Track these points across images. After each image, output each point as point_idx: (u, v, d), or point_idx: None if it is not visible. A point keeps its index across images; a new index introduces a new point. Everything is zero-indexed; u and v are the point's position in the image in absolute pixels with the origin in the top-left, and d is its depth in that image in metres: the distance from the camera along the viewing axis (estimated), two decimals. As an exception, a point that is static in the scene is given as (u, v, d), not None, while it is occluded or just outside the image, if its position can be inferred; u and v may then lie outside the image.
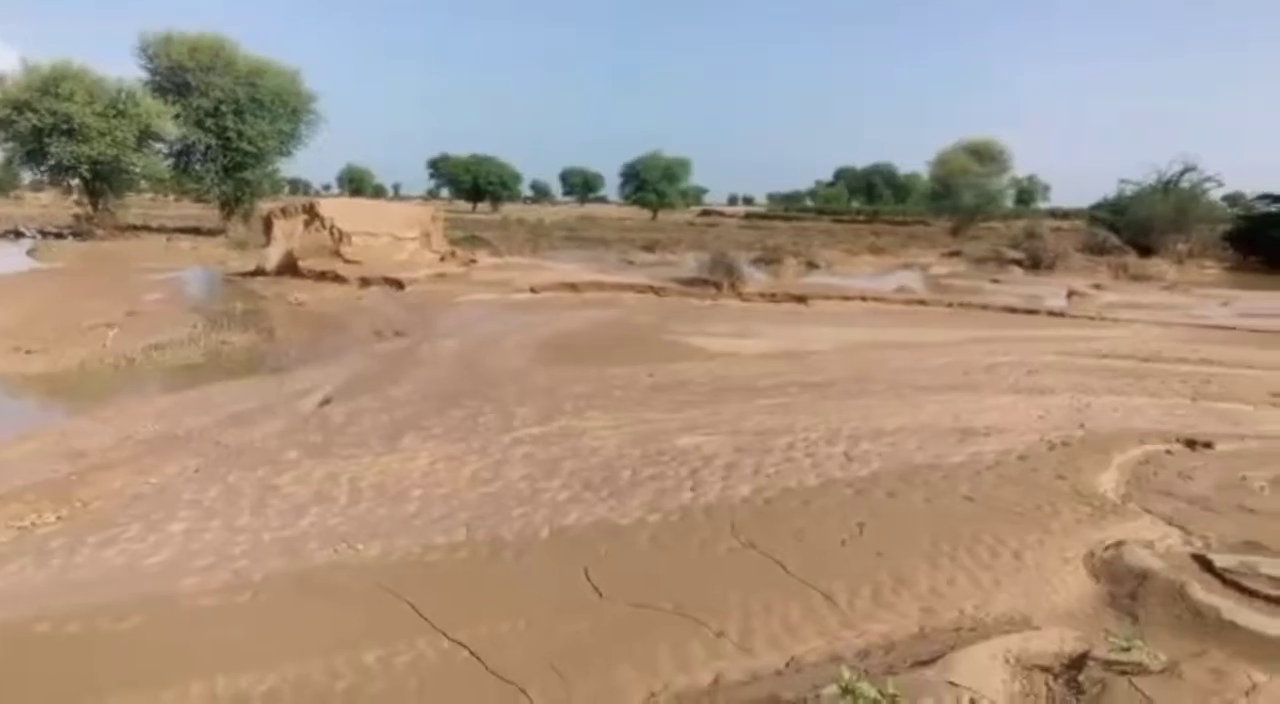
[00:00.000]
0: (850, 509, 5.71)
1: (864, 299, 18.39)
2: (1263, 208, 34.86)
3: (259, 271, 20.94)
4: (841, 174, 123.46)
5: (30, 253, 26.99)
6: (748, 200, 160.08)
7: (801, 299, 18.17)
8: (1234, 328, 15.52)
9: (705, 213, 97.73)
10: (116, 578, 4.58)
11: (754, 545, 5.07)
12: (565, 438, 7.38)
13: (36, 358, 10.67)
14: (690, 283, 19.57)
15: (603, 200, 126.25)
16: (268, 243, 21.90)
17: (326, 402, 8.71)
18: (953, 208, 53.92)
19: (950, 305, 18.02)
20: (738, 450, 7.05)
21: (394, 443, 7.16)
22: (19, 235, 33.67)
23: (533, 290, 18.51)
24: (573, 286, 18.91)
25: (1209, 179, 37.05)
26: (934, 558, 4.91)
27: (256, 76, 37.39)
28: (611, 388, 9.35)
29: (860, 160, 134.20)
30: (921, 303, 18.42)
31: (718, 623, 4.12)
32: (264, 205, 32.79)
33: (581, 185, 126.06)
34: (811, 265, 29.87)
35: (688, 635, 4.01)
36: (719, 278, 19.27)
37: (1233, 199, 43.62)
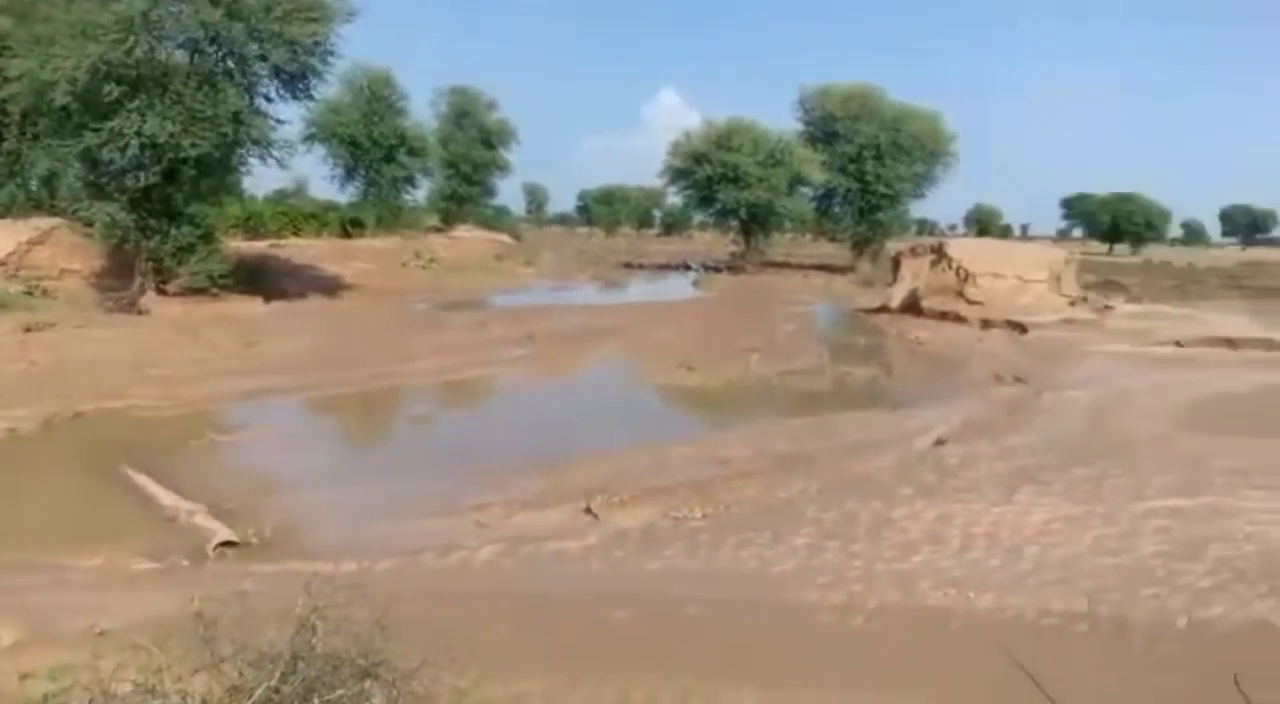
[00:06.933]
0: None
1: None
2: None
3: (883, 308, 21.84)
4: None
5: (694, 283, 32.54)
6: None
7: None
8: None
9: None
10: (752, 579, 5.13)
11: None
12: (1213, 517, 6.41)
13: (694, 374, 12.44)
14: (1399, 348, 15.62)
15: (1275, 243, 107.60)
16: (893, 281, 22.77)
17: (941, 442, 8.72)
18: None
19: None
20: None
21: (1009, 493, 6.90)
22: (687, 268, 40.21)
23: (1178, 344, 16.41)
24: (1230, 342, 16.34)
25: None
26: None
27: (900, 122, 39.38)
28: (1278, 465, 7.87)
29: None
30: None
31: None
32: (891, 245, 34.34)
33: (1247, 226, 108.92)
34: None
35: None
36: None
37: None
